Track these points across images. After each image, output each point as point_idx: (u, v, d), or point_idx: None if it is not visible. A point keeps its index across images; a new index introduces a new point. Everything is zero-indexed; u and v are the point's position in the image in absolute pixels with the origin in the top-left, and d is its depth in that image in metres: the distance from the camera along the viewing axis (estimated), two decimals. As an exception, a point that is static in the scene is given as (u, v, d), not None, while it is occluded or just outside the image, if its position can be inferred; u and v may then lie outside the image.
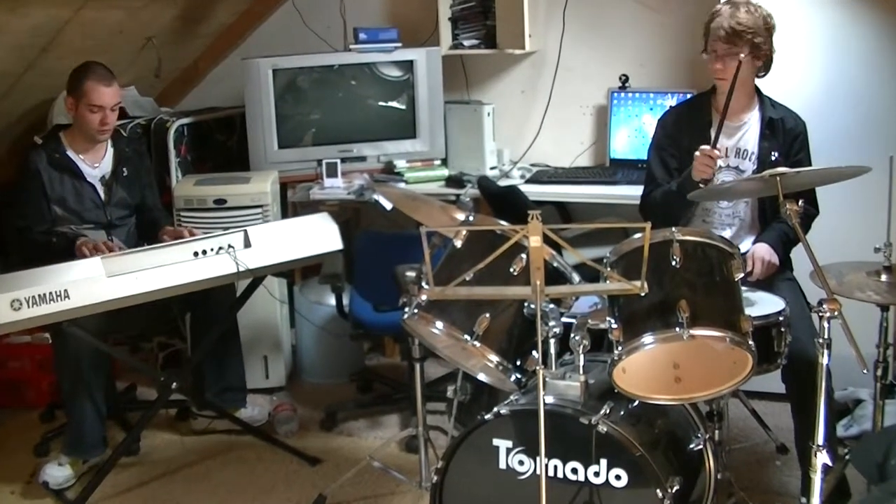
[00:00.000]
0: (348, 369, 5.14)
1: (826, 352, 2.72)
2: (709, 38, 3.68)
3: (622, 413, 2.95)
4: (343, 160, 5.23)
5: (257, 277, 4.16)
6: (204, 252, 3.91)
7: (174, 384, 4.14)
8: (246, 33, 5.90)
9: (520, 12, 5.02)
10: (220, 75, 5.98)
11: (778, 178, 3.02)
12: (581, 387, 2.94)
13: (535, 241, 2.45)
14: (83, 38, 4.67)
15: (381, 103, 5.36)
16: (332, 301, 4.66)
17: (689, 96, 4.34)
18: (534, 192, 4.82)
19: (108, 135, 4.30)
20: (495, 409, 2.94)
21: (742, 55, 3.56)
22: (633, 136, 5.14)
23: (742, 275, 2.96)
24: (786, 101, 3.88)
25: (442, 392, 3.67)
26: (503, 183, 4.99)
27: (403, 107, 5.33)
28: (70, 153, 4.28)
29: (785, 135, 3.76)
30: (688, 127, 3.83)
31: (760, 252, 3.62)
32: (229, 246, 3.94)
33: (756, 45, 3.63)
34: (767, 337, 3.16)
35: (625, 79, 5.18)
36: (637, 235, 2.88)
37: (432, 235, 3.19)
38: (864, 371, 2.68)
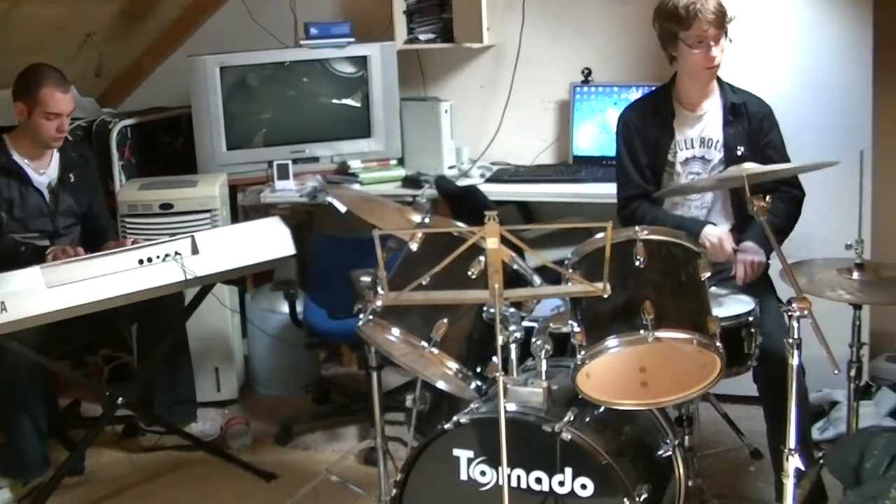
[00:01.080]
0: (303, 380, 5.14)
1: (796, 352, 2.73)
2: (685, 25, 3.62)
3: (587, 420, 2.97)
4: (295, 161, 5.22)
5: (206, 285, 4.15)
6: (149, 260, 3.88)
7: (120, 399, 4.12)
8: (191, 29, 5.88)
9: (477, 4, 5.03)
10: (165, 74, 5.95)
11: (745, 177, 3.04)
12: (544, 393, 2.96)
13: (492, 243, 2.46)
14: (19, 35, 4.63)
15: (334, 101, 5.36)
16: (286, 309, 4.66)
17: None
18: (494, 191, 4.83)
19: (62, 142, 4.28)
20: (455, 419, 2.95)
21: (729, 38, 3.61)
22: (596, 132, 5.16)
23: (709, 274, 2.98)
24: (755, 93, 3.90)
25: (401, 402, 3.67)
26: (462, 183, 5.00)
27: (358, 104, 5.33)
28: (16, 158, 4.24)
29: (749, 119, 3.77)
30: (652, 120, 3.84)
31: (745, 254, 3.58)
32: (176, 253, 3.92)
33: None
34: (737, 338, 3.19)
35: (588, 72, 5.20)
36: (599, 235, 2.90)
37: (387, 239, 3.20)
38: (836, 372, 2.68)
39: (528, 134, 5.41)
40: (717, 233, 3.61)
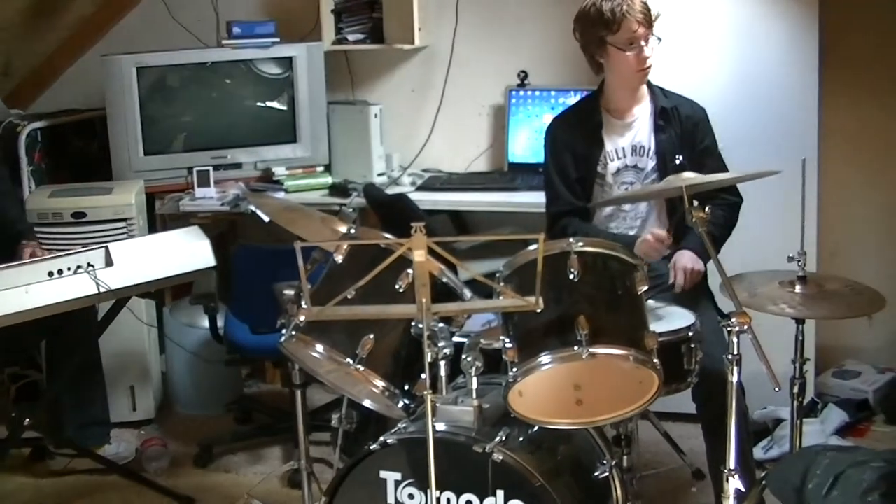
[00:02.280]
0: (224, 398, 5.10)
1: (735, 369, 2.77)
2: (613, 28, 3.64)
3: (520, 440, 2.98)
4: (216, 167, 5.21)
5: (121, 299, 4.11)
6: (60, 272, 3.84)
7: (28, 420, 4.08)
8: (107, 27, 5.82)
9: (409, 4, 5.06)
10: (79, 73, 5.89)
11: (684, 188, 3.08)
12: (474, 412, 2.96)
13: (419, 256, 2.47)
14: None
15: (258, 104, 5.36)
16: (206, 323, 4.63)
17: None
18: (426, 200, 4.86)
19: None
20: (382, 439, 2.95)
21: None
22: (533, 139, 5.20)
23: (646, 287, 3.00)
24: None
25: (326, 421, 3.66)
26: (392, 191, 5.02)
27: (283, 108, 5.33)
28: None
29: (682, 124, 3.81)
30: (580, 131, 3.87)
31: (683, 261, 3.64)
32: (89, 264, 3.88)
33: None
34: (677, 353, 3.20)
35: (524, 76, 5.24)
36: (532, 247, 2.91)
37: (312, 250, 3.20)
38: (777, 389, 2.71)
39: (461, 140, 5.44)
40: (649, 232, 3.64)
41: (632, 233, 3.84)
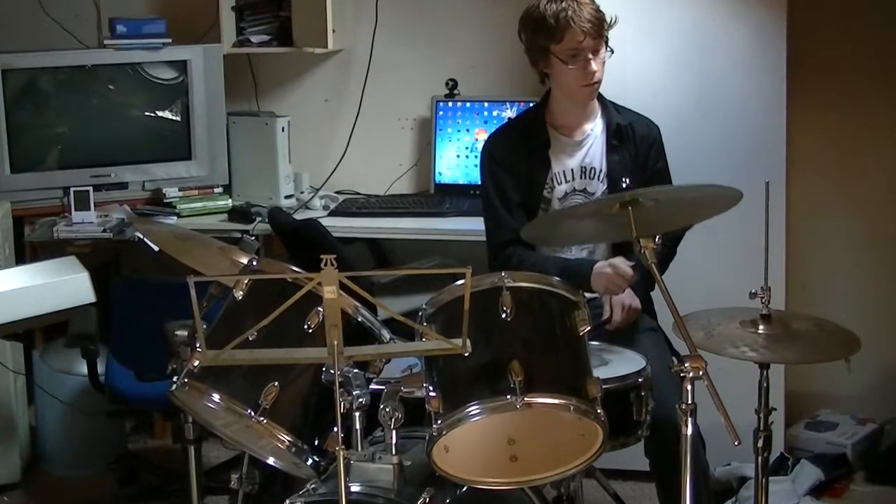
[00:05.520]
0: (105, 456, 5.08)
1: (690, 419, 2.80)
2: (556, 37, 3.69)
3: (447, 501, 2.97)
4: (97, 188, 5.19)
5: (-18, 341, 4.10)
6: None
7: None
8: (-35, 23, 5.81)
9: (321, 2, 5.07)
10: (-67, 77, 5.86)
11: (630, 211, 3.12)
12: (394, 470, 2.94)
13: (329, 292, 2.50)
14: None
15: (146, 114, 5.36)
16: (83, 369, 4.60)
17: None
18: (340, 226, 4.89)
19: None
20: (288, 501, 2.95)
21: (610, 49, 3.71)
22: (463, 156, 5.26)
23: (588, 328, 3.01)
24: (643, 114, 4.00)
25: (225, 482, 3.67)
26: (301, 216, 5.05)
27: (175, 119, 5.34)
28: None
29: (637, 144, 3.88)
30: (523, 149, 3.90)
31: (619, 296, 3.71)
32: (-55, 300, 3.88)
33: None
34: (625, 402, 3.23)
35: (452, 84, 5.29)
36: (459, 282, 2.89)
37: (207, 286, 3.22)
38: (736, 443, 2.72)
39: (381, 158, 5.49)
40: (609, 261, 3.68)
41: None
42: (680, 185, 3.66)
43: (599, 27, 3.69)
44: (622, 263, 3.63)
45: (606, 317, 3.71)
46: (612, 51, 3.76)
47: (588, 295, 3.78)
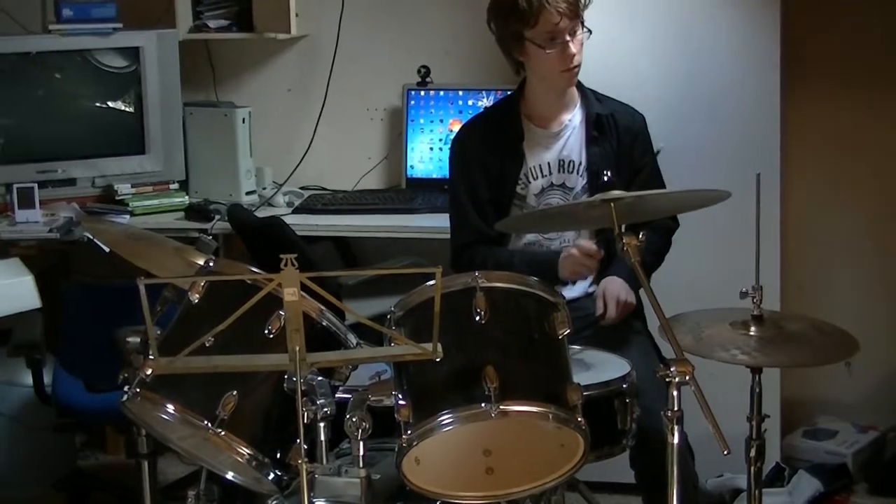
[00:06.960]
0: (53, 473, 5.06)
1: (676, 428, 2.81)
2: (531, 22, 3.69)
3: (419, 517, 3.02)
4: (43, 184, 5.19)
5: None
6: None
7: None
8: None
9: (283, -16, 5.09)
10: None
11: (612, 206, 3.14)
12: (361, 484, 2.94)
13: (290, 294, 2.50)
14: None
15: (96, 105, 5.36)
16: (28, 380, 4.61)
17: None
18: (305, 224, 4.90)
19: None
20: (249, 519, 2.98)
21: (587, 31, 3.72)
22: (437, 149, 5.28)
23: (568, 331, 3.01)
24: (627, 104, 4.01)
25: (182, 498, 3.68)
26: (263, 213, 5.05)
27: (128, 110, 5.33)
28: None
29: (619, 135, 3.89)
30: (494, 143, 3.92)
31: (613, 289, 3.73)
32: None
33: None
34: (608, 410, 3.25)
35: (425, 72, 5.29)
36: (430, 283, 2.90)
37: (161, 288, 3.23)
38: (725, 452, 2.75)
39: (348, 151, 5.50)
40: (574, 243, 3.72)
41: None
42: (665, 191, 3.66)
43: (575, 6, 3.69)
44: (586, 242, 3.66)
45: (600, 312, 3.73)
46: (589, 31, 3.76)
47: (582, 291, 3.85)
